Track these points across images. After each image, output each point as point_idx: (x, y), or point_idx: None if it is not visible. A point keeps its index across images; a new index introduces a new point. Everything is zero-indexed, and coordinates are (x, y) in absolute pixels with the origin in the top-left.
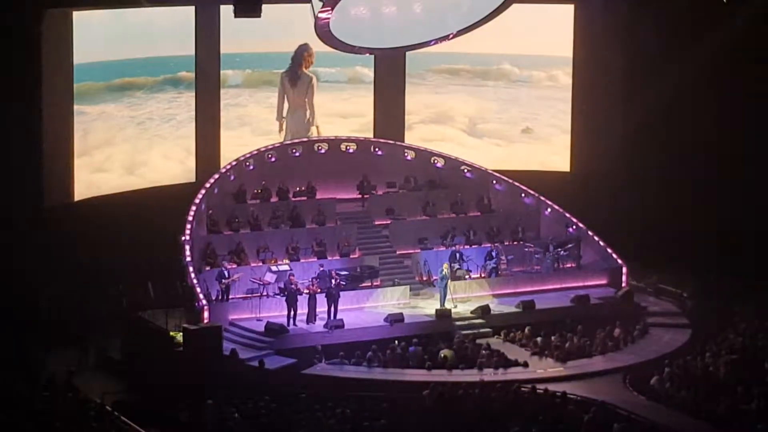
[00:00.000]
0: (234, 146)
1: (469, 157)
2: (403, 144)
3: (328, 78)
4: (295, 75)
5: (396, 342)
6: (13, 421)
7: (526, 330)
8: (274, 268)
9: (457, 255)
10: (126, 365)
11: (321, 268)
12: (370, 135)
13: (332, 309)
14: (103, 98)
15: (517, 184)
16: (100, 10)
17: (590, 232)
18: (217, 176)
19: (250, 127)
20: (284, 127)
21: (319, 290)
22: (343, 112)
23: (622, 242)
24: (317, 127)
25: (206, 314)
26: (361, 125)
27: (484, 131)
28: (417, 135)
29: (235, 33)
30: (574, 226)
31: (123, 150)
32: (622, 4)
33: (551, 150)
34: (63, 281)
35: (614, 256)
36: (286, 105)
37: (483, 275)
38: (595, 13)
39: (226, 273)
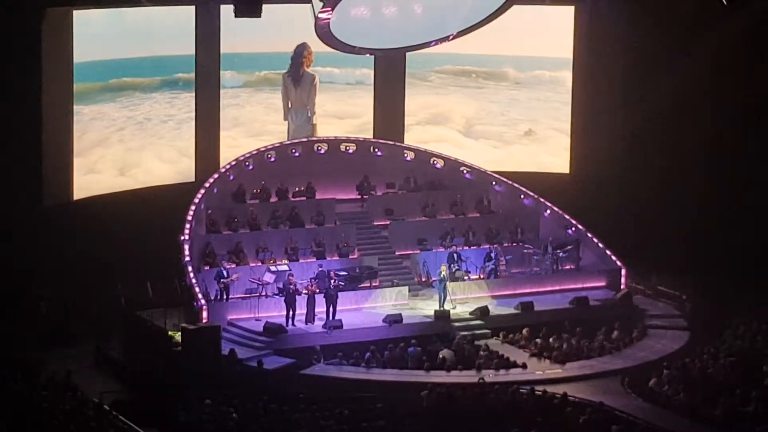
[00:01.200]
0: (228, 147)
1: (468, 159)
2: (403, 145)
3: (327, 78)
4: (298, 75)
5: (391, 345)
6: (12, 421)
7: (525, 331)
8: (273, 268)
9: (455, 256)
10: (125, 365)
11: (320, 269)
12: (369, 135)
13: (331, 309)
14: (102, 98)
15: (516, 185)
16: (100, 9)
17: (589, 234)
18: (216, 176)
19: (245, 127)
20: (289, 126)
21: (318, 290)
22: (343, 113)
23: (622, 244)
24: (315, 125)
25: (205, 314)
26: (360, 126)
27: (484, 133)
28: (416, 136)
29: (236, 33)
30: (574, 228)
31: (122, 149)
32: (623, 6)
33: (550, 151)
34: (62, 281)
35: (613, 257)
36: (289, 105)
37: (482, 276)
38: (596, 14)
39: (225, 273)
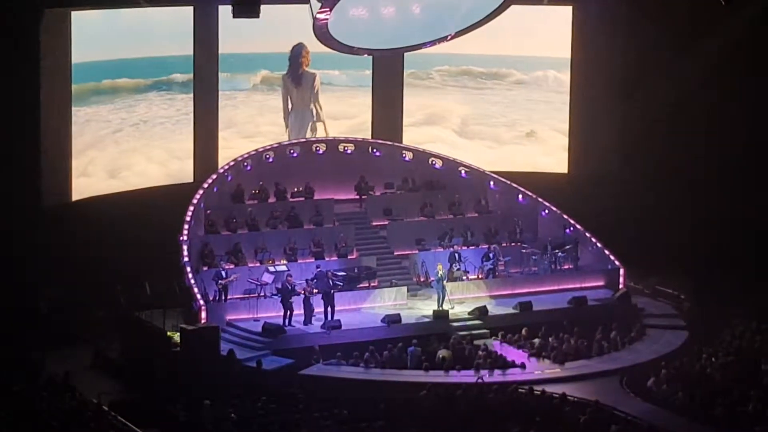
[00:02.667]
0: (221, 148)
1: (466, 159)
2: (401, 145)
3: (325, 79)
4: (297, 75)
5: (390, 345)
6: (11, 421)
7: (524, 331)
8: (271, 269)
9: (456, 255)
10: (124, 365)
11: (318, 269)
12: (367, 136)
13: (329, 310)
14: (99, 99)
15: (514, 185)
16: (99, 10)
17: (588, 234)
18: (215, 176)
19: (238, 128)
20: (288, 127)
21: (316, 291)
22: (338, 113)
23: (620, 244)
24: (324, 123)
25: (204, 314)
26: (355, 126)
27: (481, 133)
28: (414, 136)
29: (234, 33)
30: (572, 228)
31: (120, 151)
32: (621, 6)
33: (548, 151)
34: (61, 281)
35: (612, 257)
36: (290, 105)
37: (480, 276)
38: (593, 14)
39: (223, 273)
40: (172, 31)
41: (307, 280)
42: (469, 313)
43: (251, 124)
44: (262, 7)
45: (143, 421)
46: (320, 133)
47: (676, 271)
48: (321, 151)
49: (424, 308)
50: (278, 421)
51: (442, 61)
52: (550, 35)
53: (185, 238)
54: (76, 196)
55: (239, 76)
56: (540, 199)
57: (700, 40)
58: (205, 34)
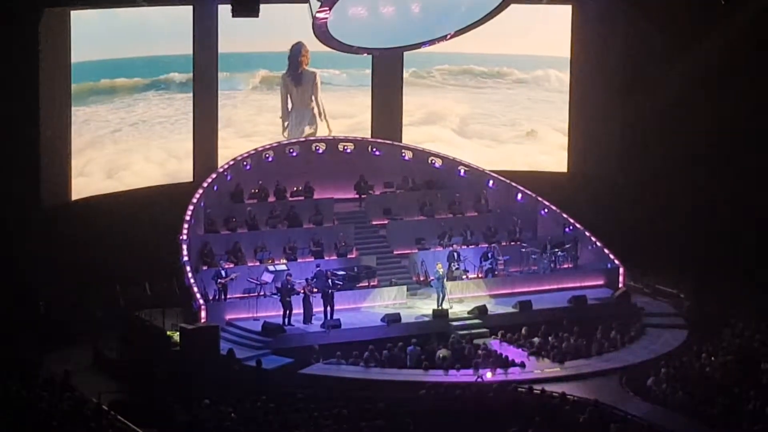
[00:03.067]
0: (219, 147)
1: (465, 158)
2: (401, 144)
3: (324, 78)
4: (297, 74)
5: (389, 344)
6: (10, 421)
7: (523, 330)
8: (271, 268)
9: (455, 255)
10: (123, 365)
11: (317, 268)
12: (367, 135)
13: (328, 309)
14: (98, 98)
15: (514, 184)
16: (98, 9)
17: (587, 233)
18: (214, 176)
19: (236, 128)
20: (287, 127)
21: (315, 290)
22: (336, 112)
23: (620, 243)
24: (326, 121)
25: (203, 314)
26: (353, 125)
27: (482, 132)
28: (413, 135)
29: (233, 33)
30: (571, 227)
31: (119, 150)
32: (620, 5)
33: (548, 150)
34: (61, 281)
35: (611, 256)
36: (290, 104)
37: (480, 275)
38: (593, 13)
39: (223, 273)
40: (171, 31)
41: (306, 280)
42: (468, 313)
43: (250, 124)
44: (262, 6)
45: (143, 421)
46: (323, 132)
47: (675, 270)
48: (321, 151)
49: (423, 307)
50: (278, 421)
51: (443, 60)
52: (549, 34)
53: (185, 237)
54: (75, 196)
55: (238, 76)
56: (539, 198)
57: (700, 40)
58: (205, 33)
